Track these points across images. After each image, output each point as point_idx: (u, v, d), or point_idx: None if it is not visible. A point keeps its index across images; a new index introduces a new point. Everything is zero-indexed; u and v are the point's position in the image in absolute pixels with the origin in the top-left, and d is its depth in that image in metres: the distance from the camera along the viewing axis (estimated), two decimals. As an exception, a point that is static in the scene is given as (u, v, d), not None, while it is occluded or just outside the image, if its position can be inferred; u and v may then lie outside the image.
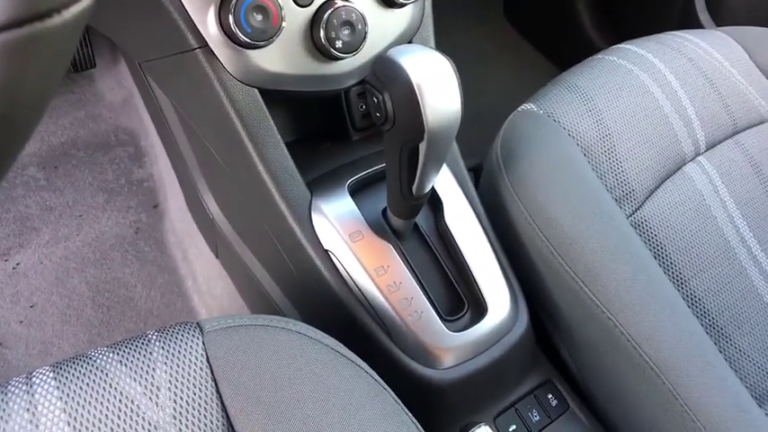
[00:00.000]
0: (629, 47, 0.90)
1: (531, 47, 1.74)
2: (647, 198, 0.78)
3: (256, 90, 0.67)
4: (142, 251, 1.19)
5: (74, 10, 0.26)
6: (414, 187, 0.61)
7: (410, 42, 0.76)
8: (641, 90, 0.83)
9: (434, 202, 0.74)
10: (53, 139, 1.29)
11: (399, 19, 0.72)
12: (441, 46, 0.81)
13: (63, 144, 1.29)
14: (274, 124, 0.69)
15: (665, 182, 0.79)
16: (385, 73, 0.55)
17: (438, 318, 0.68)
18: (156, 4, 0.62)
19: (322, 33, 0.66)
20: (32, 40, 0.25)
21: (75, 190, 1.25)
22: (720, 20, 1.27)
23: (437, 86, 0.54)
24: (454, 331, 0.68)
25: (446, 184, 0.76)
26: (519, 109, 0.85)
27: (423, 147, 0.56)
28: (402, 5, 0.70)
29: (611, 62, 0.87)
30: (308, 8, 0.66)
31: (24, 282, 1.15)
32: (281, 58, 0.66)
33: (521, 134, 0.82)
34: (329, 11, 0.65)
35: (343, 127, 0.82)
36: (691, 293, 0.73)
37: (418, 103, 0.53)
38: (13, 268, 1.16)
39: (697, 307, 0.72)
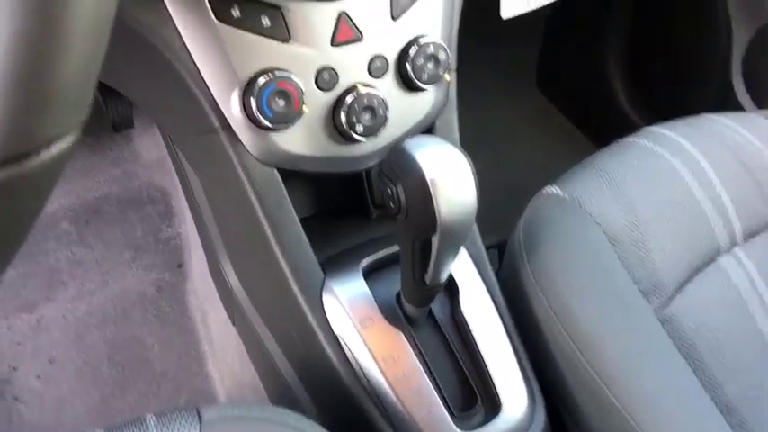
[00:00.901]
0: (662, 131, 0.87)
1: (562, 117, 1.72)
2: (677, 291, 0.74)
3: (275, 170, 0.68)
4: (163, 311, 1.19)
5: (54, 150, 0.25)
6: (427, 277, 0.59)
7: (433, 125, 0.75)
8: (674, 178, 0.80)
9: (451, 287, 0.72)
10: (88, 194, 1.32)
11: (421, 102, 0.72)
12: (468, 114, 0.81)
13: (97, 199, 1.32)
14: (292, 200, 0.69)
15: (698, 274, 0.75)
16: (399, 164, 0.54)
17: (448, 414, 0.65)
18: (181, 83, 0.63)
19: (343, 117, 0.66)
20: (7, 184, 0.23)
21: (104, 245, 1.27)
22: (761, 101, 1.24)
23: (451, 181, 0.52)
24: (465, 429, 0.65)
25: (464, 268, 0.74)
26: (543, 191, 0.83)
27: (435, 240, 0.54)
28: (424, 89, 0.70)
29: (643, 147, 0.84)
30: (330, 93, 0.66)
31: (46, 336, 1.16)
32: (301, 139, 0.66)
33: (544, 219, 0.80)
34: (351, 96, 0.65)
35: (362, 203, 0.82)
36: (725, 401, 0.68)
37: (431, 197, 0.52)
38: (38, 321, 1.17)
39: (732, 416, 0.67)
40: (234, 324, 1.06)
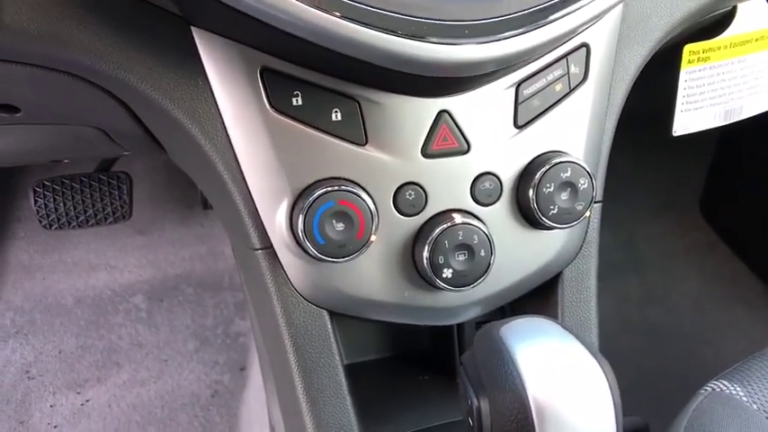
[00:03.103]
0: None
1: (729, 251, 1.40)
2: None
3: (325, 312, 0.49)
4: (211, 420, 1.03)
5: None
6: None
7: (559, 277, 0.53)
8: None
9: None
10: (170, 269, 1.23)
11: (545, 243, 0.51)
12: (616, 236, 0.60)
13: (177, 276, 1.22)
14: (348, 334, 0.51)
15: None
16: (488, 366, 0.33)
17: None
18: (220, 184, 0.47)
19: (426, 255, 0.46)
20: None
21: (170, 329, 1.15)
22: None
23: (572, 413, 0.30)
24: None
25: None
26: (712, 388, 0.57)
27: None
28: (552, 228, 0.49)
29: None
30: (413, 219, 0.47)
31: (85, 423, 1.03)
32: (364, 277, 0.48)
33: (716, 428, 0.53)
34: (442, 226, 0.46)
35: (448, 358, 0.61)
36: None
37: None
38: (81, 405, 1.06)
39: None
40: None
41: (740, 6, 0.60)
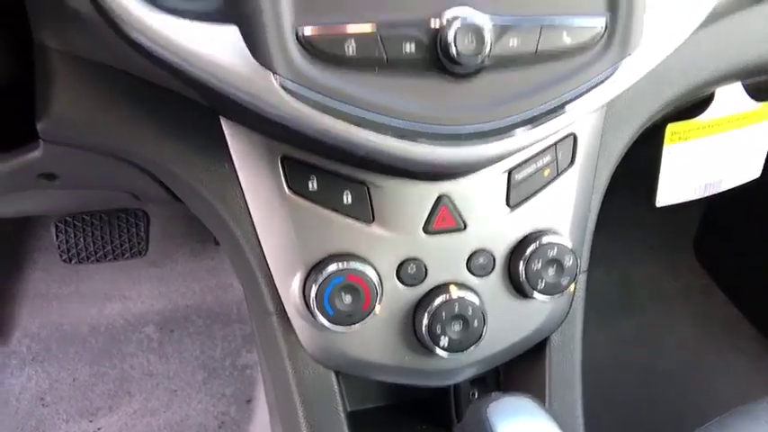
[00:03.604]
0: None
1: (723, 296, 1.44)
2: None
3: (332, 372, 0.54)
4: (217, 451, 1.07)
5: None
6: None
7: (546, 341, 0.58)
8: None
9: None
10: (181, 301, 1.28)
11: (533, 311, 0.56)
12: (610, 276, 0.64)
13: (188, 307, 1.27)
14: (352, 387, 0.55)
15: None
16: None
17: None
18: (239, 254, 0.53)
19: (425, 323, 0.51)
20: None
21: (180, 360, 1.20)
22: None
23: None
24: None
25: None
26: None
27: None
28: (539, 300, 0.54)
29: None
30: (414, 289, 0.52)
31: (96, 452, 1.08)
32: (369, 342, 0.53)
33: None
34: (441, 298, 0.51)
35: (443, 412, 0.65)
36: None
37: None
38: (93, 433, 1.10)
39: None
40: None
41: (718, 90, 0.65)
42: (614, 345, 1.32)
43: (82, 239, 1.08)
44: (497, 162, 0.48)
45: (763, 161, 0.73)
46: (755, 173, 0.73)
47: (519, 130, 0.44)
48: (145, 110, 0.48)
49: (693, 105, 0.66)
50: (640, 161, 0.76)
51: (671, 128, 0.65)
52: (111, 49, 0.42)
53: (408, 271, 0.52)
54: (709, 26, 0.55)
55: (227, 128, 0.49)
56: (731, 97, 0.65)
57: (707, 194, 0.71)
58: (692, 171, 0.68)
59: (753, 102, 0.66)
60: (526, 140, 0.45)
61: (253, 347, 1.21)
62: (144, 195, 0.65)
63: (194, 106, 0.48)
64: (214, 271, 1.32)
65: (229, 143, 0.49)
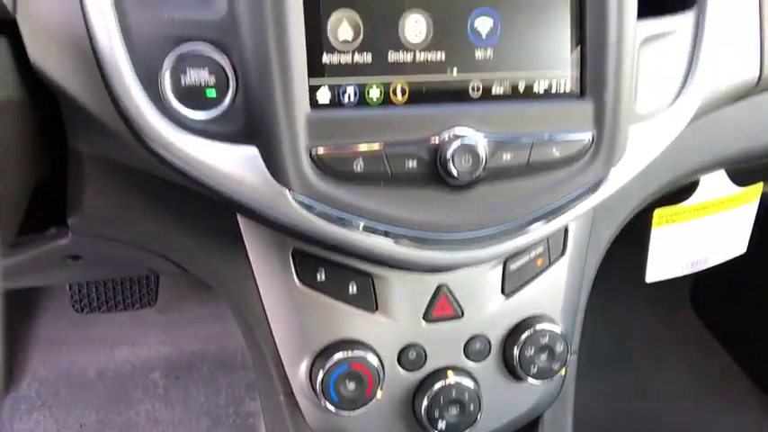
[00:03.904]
0: None
1: (718, 345, 1.46)
2: None
3: (336, 449, 0.57)
4: (219, 502, 1.09)
5: None
6: None
7: (539, 419, 0.61)
8: None
9: None
10: (187, 347, 1.31)
11: (526, 393, 0.59)
12: (606, 324, 0.66)
13: (193, 353, 1.30)
14: None
15: None
16: None
17: None
18: (250, 338, 0.56)
19: (424, 406, 0.55)
20: None
21: (185, 407, 1.22)
22: None
23: None
24: None
25: None
26: None
27: None
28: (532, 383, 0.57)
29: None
30: (414, 373, 0.56)
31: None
32: (371, 424, 0.56)
33: None
34: (439, 384, 0.54)
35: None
36: None
37: None
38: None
39: None
40: None
41: (702, 177, 0.69)
42: (611, 396, 1.34)
43: (94, 290, 1.12)
44: (492, 261, 0.52)
45: (747, 239, 0.76)
46: (741, 249, 0.77)
47: (511, 236, 0.48)
48: (168, 207, 0.52)
49: (679, 190, 0.70)
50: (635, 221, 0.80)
51: (658, 212, 0.69)
52: (140, 158, 0.46)
53: (409, 357, 0.55)
54: (692, 123, 0.59)
55: (242, 223, 0.53)
56: (715, 183, 0.69)
57: (694, 271, 0.74)
58: (679, 250, 0.72)
59: (736, 186, 0.70)
60: (518, 245, 0.49)
61: (256, 395, 1.23)
62: (161, 271, 0.69)
63: (214, 204, 0.52)
64: (220, 318, 1.35)
65: (244, 237, 0.53)
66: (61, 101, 0.45)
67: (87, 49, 0.42)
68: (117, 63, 0.41)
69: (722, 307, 1.48)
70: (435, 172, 0.46)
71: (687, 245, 0.72)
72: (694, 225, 0.71)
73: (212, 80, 0.43)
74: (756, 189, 0.72)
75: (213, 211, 0.53)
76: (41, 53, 0.42)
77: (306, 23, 0.43)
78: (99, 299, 1.14)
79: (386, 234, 0.46)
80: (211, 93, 0.43)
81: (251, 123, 0.43)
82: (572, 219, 0.50)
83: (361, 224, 0.46)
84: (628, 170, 0.51)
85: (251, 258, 0.54)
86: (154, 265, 0.66)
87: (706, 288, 1.51)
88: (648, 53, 0.51)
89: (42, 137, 0.47)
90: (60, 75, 0.43)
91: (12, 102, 0.43)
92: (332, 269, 0.53)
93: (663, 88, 0.52)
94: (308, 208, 0.44)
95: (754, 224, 0.77)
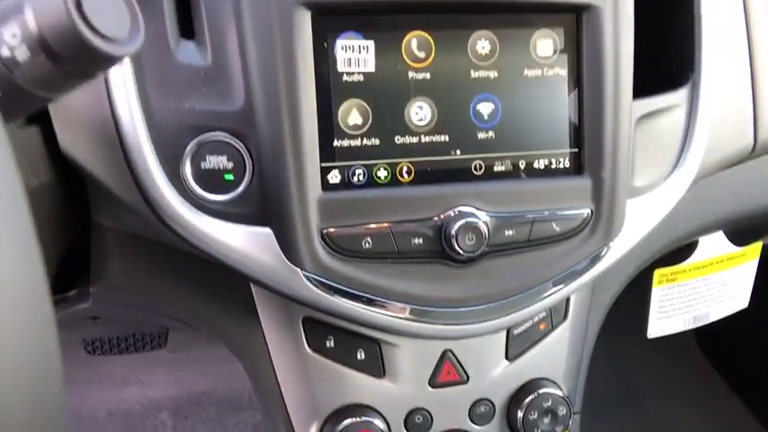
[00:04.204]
0: None
1: (726, 387, 1.46)
2: None
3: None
4: None
5: None
6: None
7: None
8: None
9: None
10: (195, 387, 1.32)
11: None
12: (613, 364, 0.66)
13: (201, 393, 1.31)
14: None
15: None
16: None
17: None
18: (263, 403, 0.58)
19: None
20: None
21: (192, 448, 1.23)
22: None
23: None
24: None
25: None
26: None
27: None
28: None
29: None
30: None
31: None
32: None
33: None
34: None
35: None
36: None
37: None
38: None
39: None
40: None
41: (701, 238, 0.71)
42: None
43: (106, 335, 1.14)
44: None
45: (749, 294, 0.78)
46: (743, 304, 0.78)
47: (515, 309, 0.50)
48: (186, 277, 0.55)
49: (679, 249, 0.72)
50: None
51: (658, 272, 0.71)
52: (161, 234, 0.49)
53: (415, 420, 0.57)
54: (689, 189, 0.61)
55: (256, 292, 0.55)
56: (714, 243, 0.71)
57: (696, 326, 0.76)
58: (680, 307, 0.74)
59: (734, 246, 0.72)
60: (520, 318, 0.51)
61: (263, 438, 1.24)
62: (175, 328, 0.71)
63: (229, 275, 0.55)
64: (228, 358, 1.35)
65: (257, 305, 0.55)
66: (87, 181, 0.48)
67: (113, 134, 0.44)
68: (140, 148, 0.44)
69: (729, 347, 1.48)
70: (441, 249, 0.48)
71: (688, 302, 0.74)
72: (694, 283, 0.72)
73: (230, 165, 0.45)
74: (756, 248, 0.74)
75: (229, 281, 0.55)
76: (70, 139, 0.45)
77: (318, 112, 0.45)
78: (111, 342, 1.16)
79: (393, 308, 0.48)
80: (229, 177, 0.45)
81: (266, 205, 0.46)
82: (573, 291, 0.52)
83: (369, 298, 0.48)
84: (626, 242, 0.53)
85: (263, 325, 0.56)
86: (168, 324, 0.69)
87: (713, 327, 1.51)
88: (644, 129, 0.53)
89: (68, 212, 0.50)
90: (87, 158, 0.45)
91: (43, 185, 0.45)
92: (341, 336, 0.55)
93: (659, 162, 0.54)
94: (319, 284, 0.47)
95: (761, 263, 0.78)
